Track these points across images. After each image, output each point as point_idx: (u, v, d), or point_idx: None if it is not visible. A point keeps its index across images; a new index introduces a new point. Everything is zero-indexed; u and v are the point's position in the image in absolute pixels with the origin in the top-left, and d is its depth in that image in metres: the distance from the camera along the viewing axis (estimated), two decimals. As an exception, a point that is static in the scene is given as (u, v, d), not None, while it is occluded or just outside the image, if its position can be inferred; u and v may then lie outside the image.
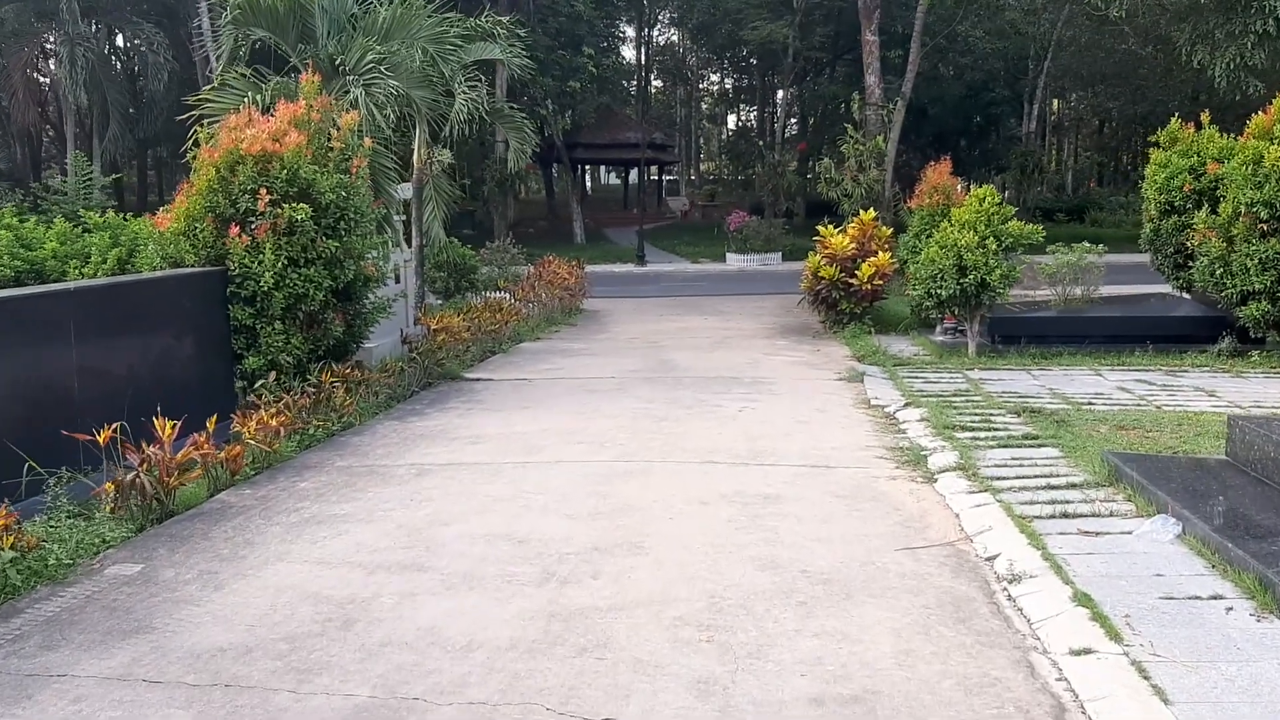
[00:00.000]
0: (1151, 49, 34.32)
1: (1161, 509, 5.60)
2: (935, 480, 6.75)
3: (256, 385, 8.30)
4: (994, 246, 11.65)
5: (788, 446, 7.81)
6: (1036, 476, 6.60)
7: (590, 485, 6.72)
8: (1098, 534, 5.45)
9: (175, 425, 6.52)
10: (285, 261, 9.13)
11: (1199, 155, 13.69)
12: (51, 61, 27.49)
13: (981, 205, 11.94)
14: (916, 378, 10.82)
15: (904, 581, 4.99)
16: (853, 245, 14.67)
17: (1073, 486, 6.33)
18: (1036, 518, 5.72)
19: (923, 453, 7.44)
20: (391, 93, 10.37)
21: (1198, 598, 4.57)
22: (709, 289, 23.28)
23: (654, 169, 55.20)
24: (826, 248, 14.80)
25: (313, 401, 8.57)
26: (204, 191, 9.42)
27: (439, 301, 17.49)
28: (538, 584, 4.99)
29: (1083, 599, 4.56)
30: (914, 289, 12.43)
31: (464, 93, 12.89)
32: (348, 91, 10.51)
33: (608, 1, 36.93)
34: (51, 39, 25.32)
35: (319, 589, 5.00)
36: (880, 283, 14.38)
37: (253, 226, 9.20)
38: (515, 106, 14.07)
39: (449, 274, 16.92)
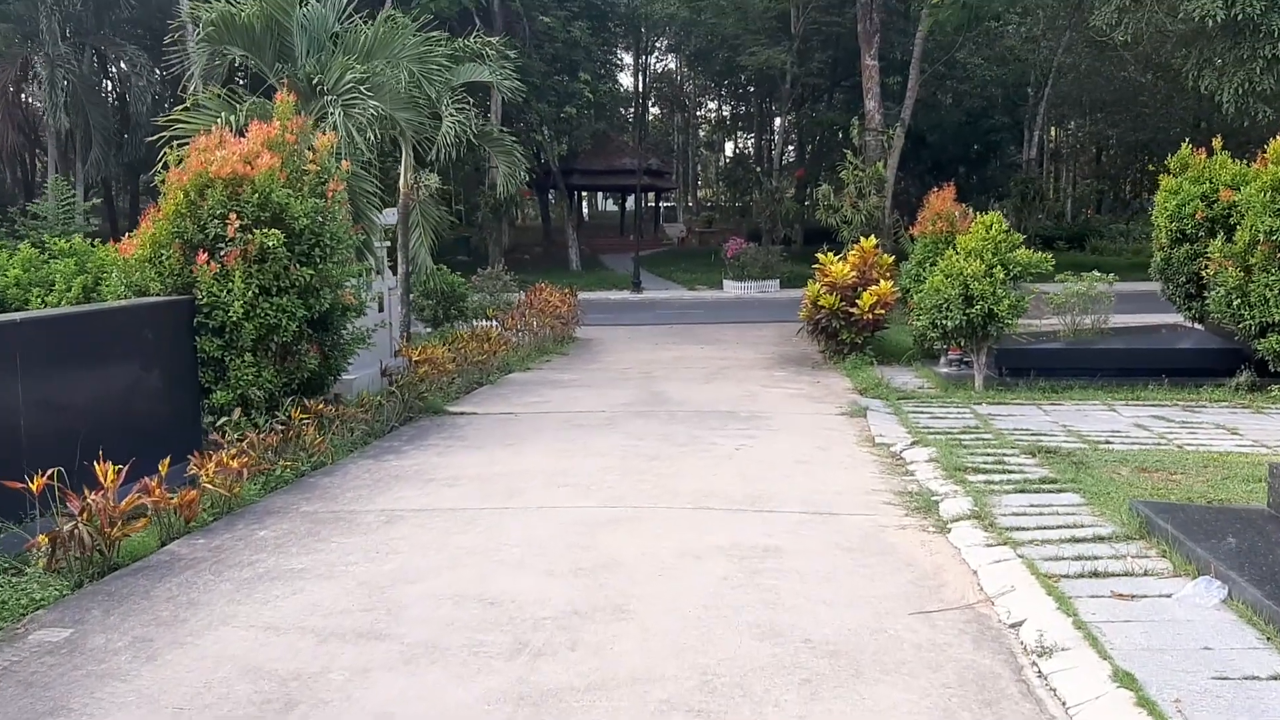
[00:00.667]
0: (1152, 76, 34.19)
1: (1202, 569, 5.06)
2: (949, 530, 6.21)
3: (219, 422, 7.76)
4: (1001, 275, 11.17)
5: (788, 490, 7.27)
6: (1059, 527, 6.07)
7: (573, 535, 6.18)
8: (1133, 597, 4.91)
9: (121, 470, 5.98)
10: (256, 290, 8.64)
11: (1211, 182, 13.24)
12: (36, 84, 27.10)
13: (988, 233, 11.47)
14: (922, 413, 10.30)
15: (920, 654, 4.44)
16: (853, 273, 14.20)
17: (1100, 539, 5.79)
18: (1063, 576, 5.18)
19: (934, 498, 6.90)
20: (372, 114, 9.91)
21: (1255, 678, 4.03)
22: (705, 317, 22.81)
23: (651, 195, 55.04)
24: (826, 276, 14.32)
25: (280, 440, 8.03)
26: (171, 216, 8.94)
27: (427, 330, 16.99)
28: (508, 656, 4.44)
29: (1125, 678, 4.01)
30: (918, 319, 11.93)
31: (451, 115, 12.45)
32: (327, 113, 10.03)
33: (605, 28, 36.73)
34: (37, 61, 24.90)
35: (263, 661, 4.44)
36: (882, 312, 13.90)
37: (222, 253, 8.72)
38: (506, 130, 13.61)
39: (437, 302, 16.41)
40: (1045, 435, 9.01)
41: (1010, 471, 7.51)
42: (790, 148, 45.02)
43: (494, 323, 15.38)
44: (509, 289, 20.03)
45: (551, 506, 6.88)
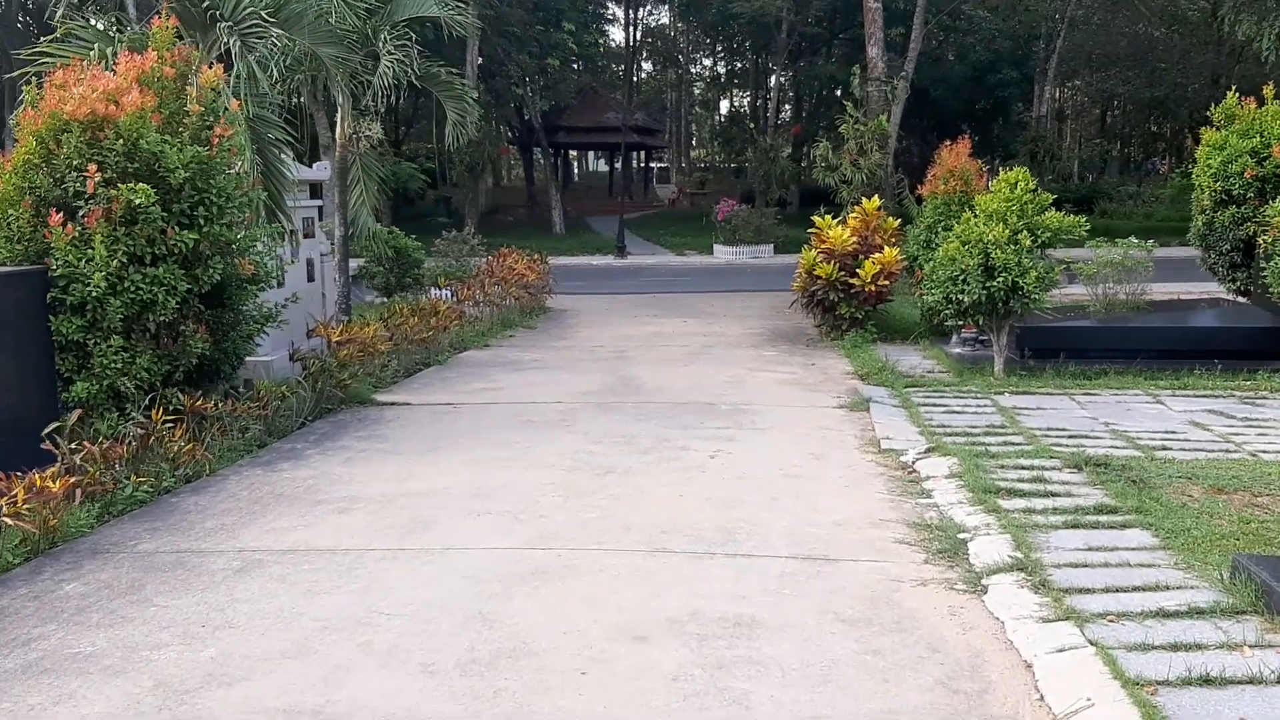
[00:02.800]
0: (1166, 29, 32.31)
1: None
2: (984, 589, 4.63)
3: (48, 429, 6.13)
4: (1028, 242, 9.52)
5: (772, 520, 5.67)
6: (1136, 589, 4.48)
7: (478, 598, 4.58)
8: (1273, 726, 3.34)
9: None
10: (124, 258, 7.02)
11: (1262, 135, 11.61)
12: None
13: (1013, 192, 9.80)
14: (935, 405, 8.71)
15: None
16: (854, 239, 12.54)
17: (1198, 612, 4.21)
18: (1163, 684, 3.60)
19: (961, 535, 5.31)
20: (277, 45, 8.18)
21: None
22: (692, 284, 21.14)
23: (642, 155, 53.02)
24: (824, 242, 12.66)
25: (138, 447, 6.42)
26: (20, 168, 7.28)
27: (380, 300, 15.33)
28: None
29: None
30: (928, 292, 10.30)
31: (390, 53, 10.71)
32: (226, 48, 8.32)
33: (591, -26, 34.67)
34: None
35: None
36: (886, 283, 12.26)
37: (81, 214, 7.07)
38: (456, 72, 11.85)
39: (389, 268, 14.72)
40: (1086, 438, 7.43)
41: (1054, 494, 5.92)
42: (786, 106, 43.05)
43: (447, 293, 13.70)
44: (476, 253, 18.35)
45: (461, 548, 5.27)
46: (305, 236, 10.91)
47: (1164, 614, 4.19)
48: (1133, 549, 4.99)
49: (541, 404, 9.04)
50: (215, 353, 7.95)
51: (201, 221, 7.33)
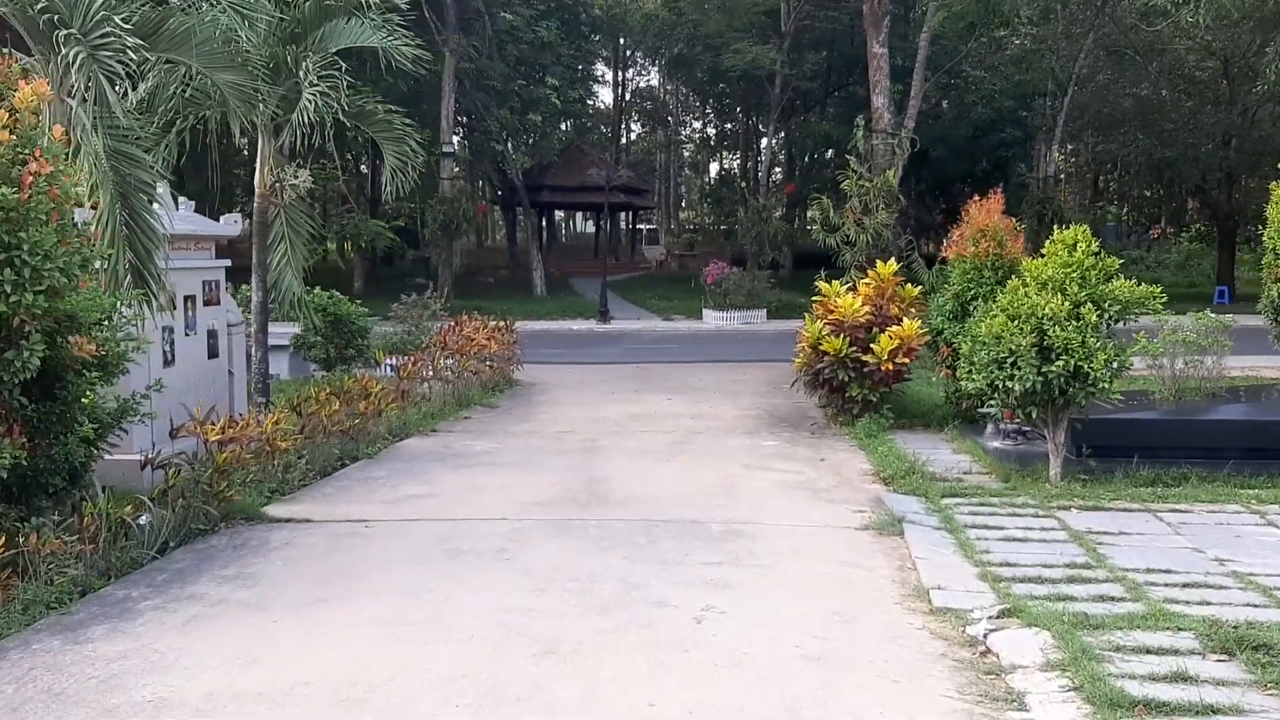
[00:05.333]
0: (1171, 90, 31.04)
1: None
2: None
3: None
4: (1093, 317, 7.65)
5: (791, 756, 3.66)
6: None
7: None
8: None
9: None
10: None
11: (1347, 191, 9.86)
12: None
13: (1071, 255, 7.95)
14: (987, 527, 6.75)
15: None
16: (866, 309, 10.66)
17: None
18: None
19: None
20: (136, 62, 6.32)
21: None
22: (680, 353, 19.23)
23: (629, 216, 51.53)
24: (831, 311, 10.78)
25: None
26: None
27: (321, 374, 13.34)
28: None
29: None
30: (967, 376, 8.38)
31: (313, 84, 8.89)
32: (77, 67, 6.44)
33: (576, 30, 33.27)
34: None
35: None
36: (905, 360, 10.36)
37: None
38: (397, 111, 10.02)
39: (326, 338, 12.76)
40: (1205, 586, 5.47)
41: (1217, 711, 3.92)
42: (777, 170, 41.68)
43: (384, 369, 11.69)
44: (438, 318, 16.43)
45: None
46: (207, 304, 8.99)
47: None
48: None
49: (481, 521, 7.02)
50: (40, 460, 5.98)
51: (8, 289, 5.39)
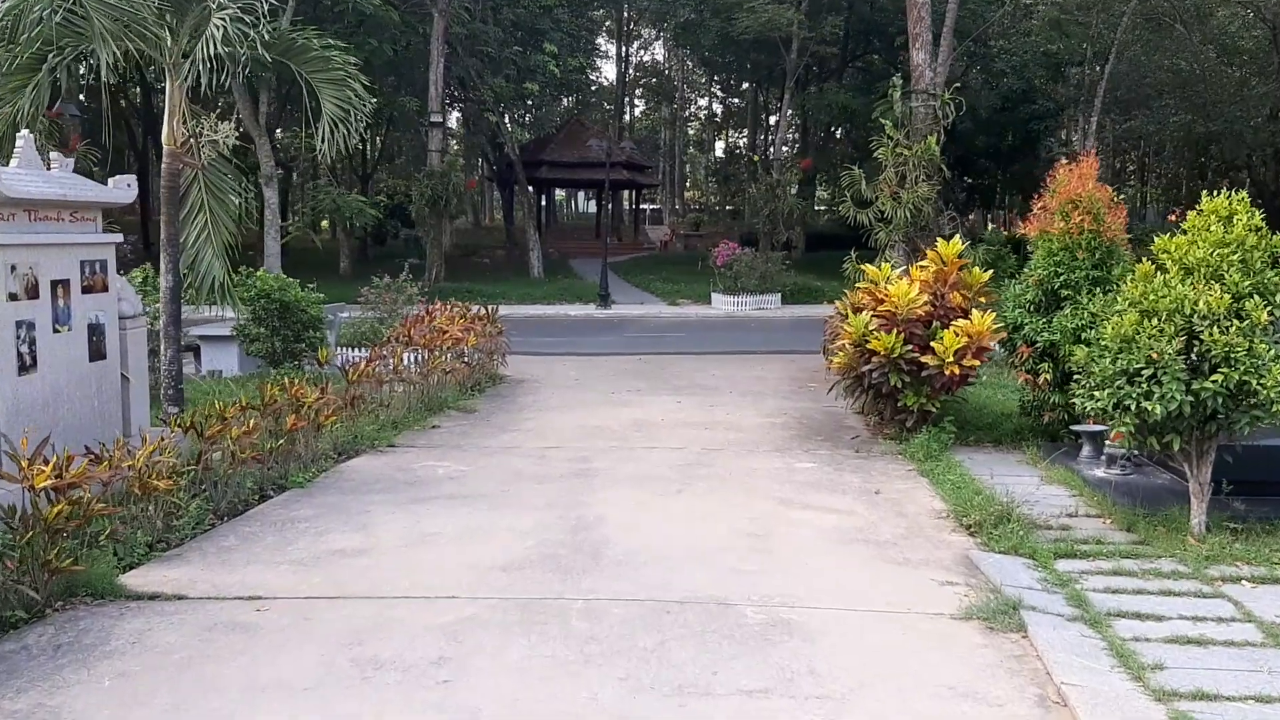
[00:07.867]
0: (1216, 60, 28.86)
1: None
2: None
3: None
4: (1263, 316, 5.61)
5: None
6: None
7: None
8: None
9: None
10: None
11: None
12: None
13: (1230, 231, 5.89)
14: (1140, 618, 4.75)
15: None
16: (925, 299, 8.61)
17: None
18: None
19: None
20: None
21: None
22: (688, 342, 17.20)
23: (632, 195, 49.34)
24: (880, 301, 8.72)
25: None
26: None
27: (269, 371, 11.32)
28: None
29: None
30: (1083, 393, 6.31)
31: (222, 5, 6.84)
32: None
33: (575, -8, 31.08)
34: None
35: None
36: (975, 363, 8.32)
37: None
38: (339, 45, 7.95)
39: (273, 330, 10.70)
40: None
41: None
42: (788, 144, 39.40)
43: (330, 368, 9.62)
44: (413, 303, 14.43)
45: None
46: (88, 290, 6.95)
47: None
48: None
49: (420, 602, 5.01)
50: None
51: None
